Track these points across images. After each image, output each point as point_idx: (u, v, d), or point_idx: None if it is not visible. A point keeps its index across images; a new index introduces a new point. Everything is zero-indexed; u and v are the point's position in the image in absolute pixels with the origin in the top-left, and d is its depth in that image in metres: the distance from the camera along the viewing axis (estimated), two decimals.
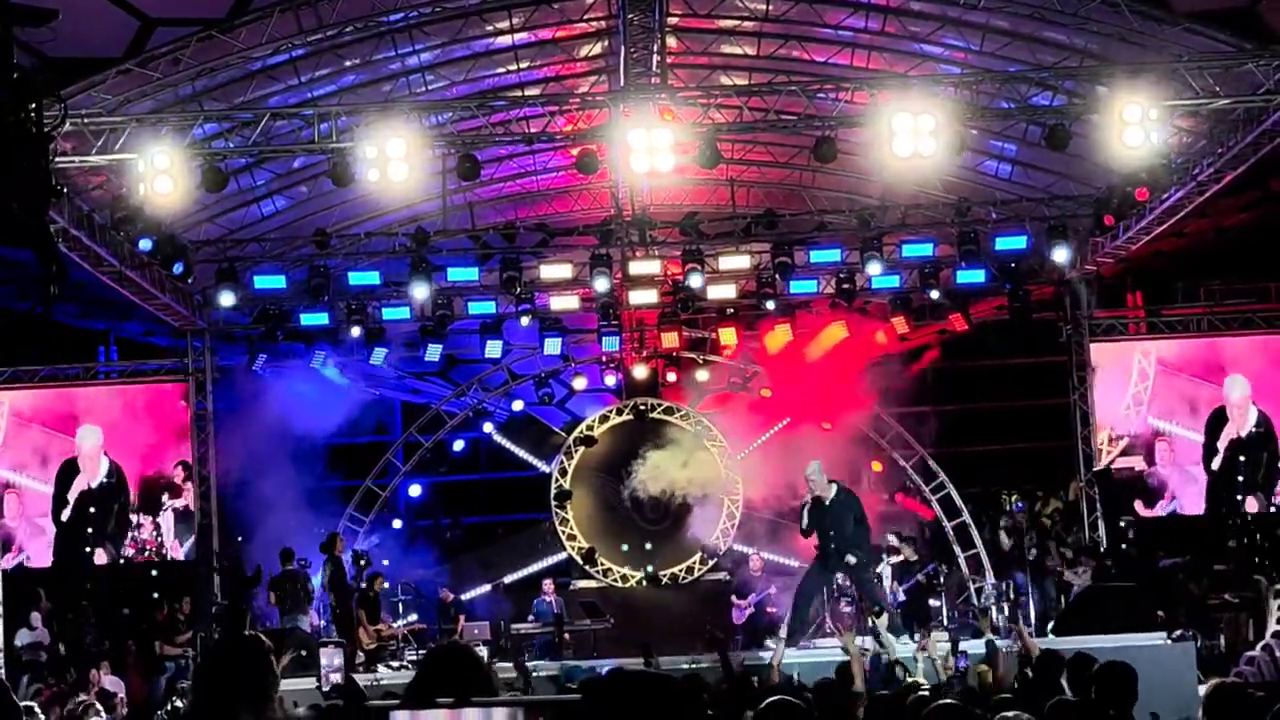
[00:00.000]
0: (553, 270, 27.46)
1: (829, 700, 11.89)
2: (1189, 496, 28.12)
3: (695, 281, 26.77)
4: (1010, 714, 8.23)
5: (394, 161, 20.31)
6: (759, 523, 30.10)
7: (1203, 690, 7.74)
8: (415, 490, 31.51)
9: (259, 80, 22.05)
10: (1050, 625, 24.43)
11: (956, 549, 29.91)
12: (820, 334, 29.99)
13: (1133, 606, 23.52)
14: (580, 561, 29.11)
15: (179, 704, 21.75)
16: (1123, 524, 27.69)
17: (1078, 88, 21.95)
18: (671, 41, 22.64)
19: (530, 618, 26.73)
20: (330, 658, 15.61)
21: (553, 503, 30.19)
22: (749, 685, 14.83)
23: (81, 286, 24.20)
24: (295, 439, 29.00)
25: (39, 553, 27.60)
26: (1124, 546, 27.46)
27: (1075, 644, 18.08)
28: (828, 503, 23.23)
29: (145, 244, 23.15)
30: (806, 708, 8.33)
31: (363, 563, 26.21)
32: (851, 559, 23.22)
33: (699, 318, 29.81)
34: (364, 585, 25.73)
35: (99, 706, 19.27)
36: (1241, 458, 27.94)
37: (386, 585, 26.69)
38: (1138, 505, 27.92)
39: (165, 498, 28.01)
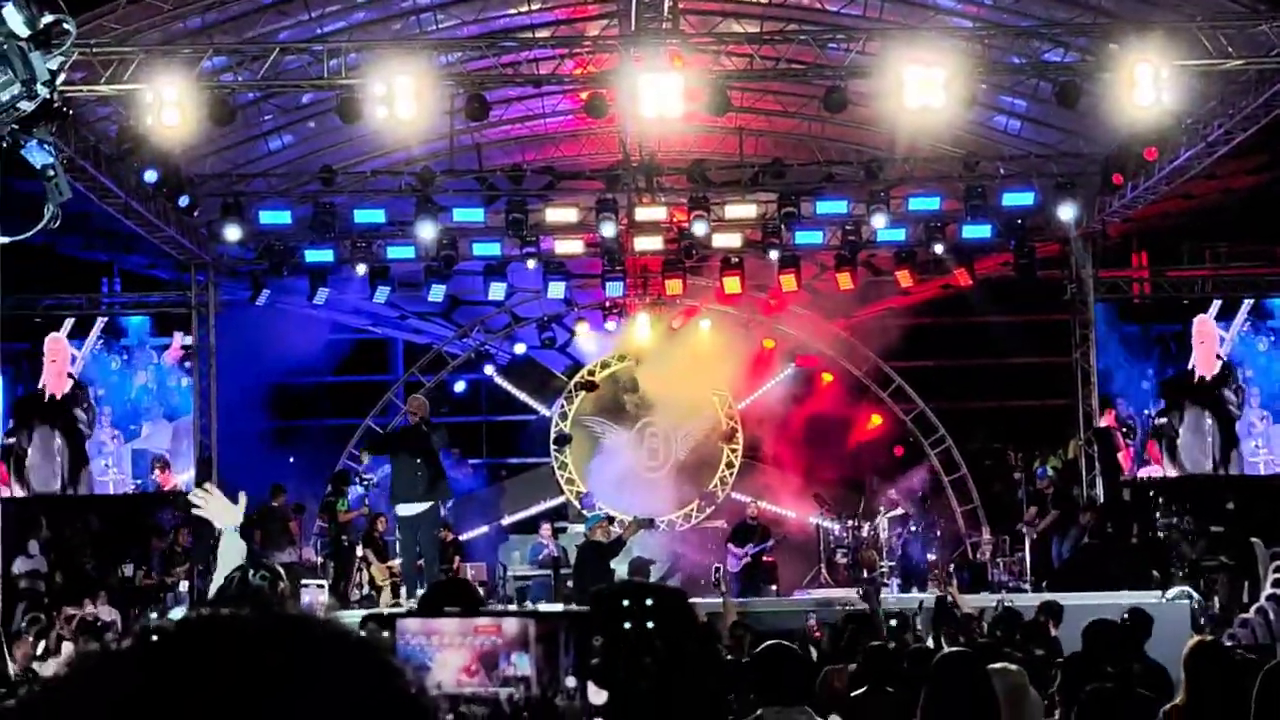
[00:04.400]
0: (558, 214, 27.39)
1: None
2: None
3: (700, 229, 26.70)
4: (998, 665, 8.26)
5: (402, 99, 20.23)
6: (759, 471, 30.17)
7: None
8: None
9: (269, 15, 21.94)
10: (1045, 582, 24.47)
11: (955, 504, 29.98)
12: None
13: (1129, 565, 23.57)
14: (578, 506, 29.13)
15: None
16: (1123, 482, 27.62)
17: (1090, 45, 21.81)
18: None
19: (529, 562, 26.80)
20: (310, 596, 15.07)
21: (552, 447, 30.22)
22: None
23: (87, 218, 24.15)
24: (296, 377, 28.99)
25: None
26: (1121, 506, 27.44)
27: (1071, 601, 18.17)
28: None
29: (151, 175, 23.11)
30: (802, 652, 8.35)
31: (369, 483, 26.16)
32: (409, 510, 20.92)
33: (703, 265, 29.74)
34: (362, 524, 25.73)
35: (80, 637, 19.21)
36: None
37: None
38: None
39: None
